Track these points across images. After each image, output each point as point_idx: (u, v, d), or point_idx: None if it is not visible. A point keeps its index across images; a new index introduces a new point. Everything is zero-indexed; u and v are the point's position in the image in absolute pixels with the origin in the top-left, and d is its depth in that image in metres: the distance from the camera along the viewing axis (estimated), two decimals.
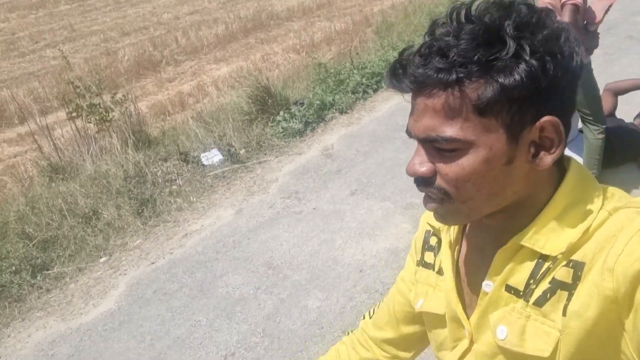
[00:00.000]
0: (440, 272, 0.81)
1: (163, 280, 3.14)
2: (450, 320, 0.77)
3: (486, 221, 0.70)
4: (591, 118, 2.86)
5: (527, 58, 0.57)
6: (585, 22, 2.84)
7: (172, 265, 3.26)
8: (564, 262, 0.62)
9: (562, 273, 0.61)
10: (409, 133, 0.67)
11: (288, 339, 2.60)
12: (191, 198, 3.95)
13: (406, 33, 7.05)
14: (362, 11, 10.47)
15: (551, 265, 0.63)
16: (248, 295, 2.92)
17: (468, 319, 0.74)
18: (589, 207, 0.64)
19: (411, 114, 0.65)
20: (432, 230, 0.85)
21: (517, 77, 0.57)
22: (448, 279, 0.78)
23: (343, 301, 2.78)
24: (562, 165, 0.68)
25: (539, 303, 0.63)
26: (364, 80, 5.44)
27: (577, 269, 0.60)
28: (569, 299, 0.60)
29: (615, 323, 0.58)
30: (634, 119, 3.23)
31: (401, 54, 0.64)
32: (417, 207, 3.46)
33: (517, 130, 0.61)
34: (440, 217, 0.69)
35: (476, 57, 0.58)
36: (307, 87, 5.52)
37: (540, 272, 0.64)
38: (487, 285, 0.69)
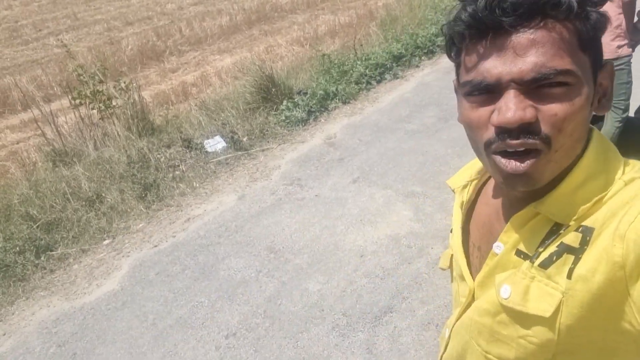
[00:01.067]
0: (451, 230, 0.84)
1: (165, 262, 3.17)
2: (458, 276, 0.80)
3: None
4: (616, 106, 3.04)
5: (595, 6, 0.60)
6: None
7: (174, 248, 3.29)
8: (575, 228, 0.62)
9: (571, 237, 0.61)
10: (493, 81, 0.60)
11: (289, 320, 2.63)
12: (194, 183, 3.98)
13: (410, 26, 7.06)
14: (367, 5, 10.47)
15: (563, 230, 0.63)
16: (250, 278, 2.95)
17: (473, 277, 0.75)
18: (608, 178, 0.63)
19: (498, 56, 0.59)
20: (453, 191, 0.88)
21: (597, 17, 0.60)
22: (456, 237, 0.80)
23: (343, 285, 2.81)
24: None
25: (544, 265, 0.63)
26: (367, 71, 5.46)
27: (586, 234, 0.60)
28: (575, 263, 0.60)
29: (622, 289, 0.57)
30: (635, 113, 3.26)
31: None
32: (418, 195, 3.49)
33: (596, 72, 0.62)
34: (526, 177, 0.62)
35: None
36: (310, 77, 5.54)
37: (552, 239, 0.64)
38: (498, 247, 0.69)
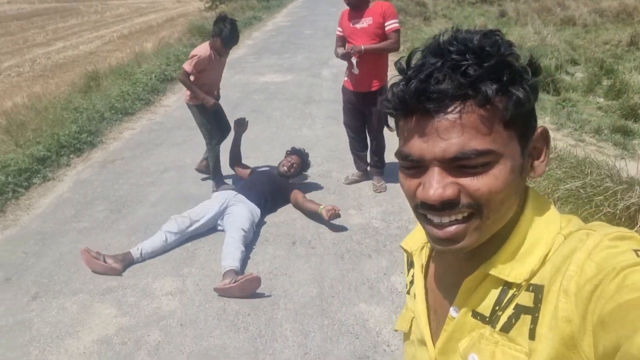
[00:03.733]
0: (412, 294, 0.85)
1: None
2: (417, 341, 0.81)
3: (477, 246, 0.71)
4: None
5: (528, 77, 0.64)
6: None
7: None
8: (526, 287, 0.64)
9: (524, 298, 0.64)
10: (417, 159, 0.65)
11: None
12: None
13: (44, 128, 6.56)
14: None
15: (516, 292, 0.65)
16: None
17: (434, 344, 0.76)
18: (549, 234, 0.67)
19: (422, 136, 0.63)
20: (405, 254, 0.89)
21: (525, 92, 0.63)
22: (419, 302, 0.81)
23: None
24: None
25: (506, 329, 0.65)
26: (9, 179, 4.83)
27: (537, 292, 0.62)
28: (533, 323, 0.61)
29: (573, 344, 0.58)
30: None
31: (406, 75, 0.65)
32: (116, 289, 3.29)
33: (526, 141, 0.66)
34: (453, 242, 0.66)
35: (501, 74, 0.61)
36: None
37: (506, 299, 0.66)
38: (454, 311, 0.71)
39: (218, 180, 4.67)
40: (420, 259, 0.83)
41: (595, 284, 0.56)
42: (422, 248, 0.84)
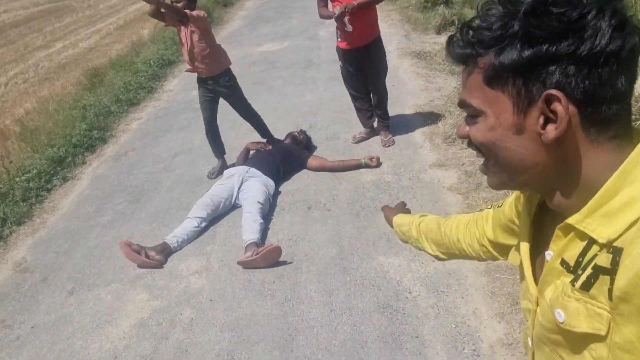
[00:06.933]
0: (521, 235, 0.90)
1: None
2: (524, 279, 0.84)
3: (543, 194, 0.77)
4: None
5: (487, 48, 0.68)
6: None
7: None
8: (607, 248, 0.63)
9: (603, 259, 0.63)
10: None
11: None
12: None
13: (57, 130, 6.71)
14: None
15: (598, 252, 0.64)
16: None
17: (536, 283, 0.79)
18: None
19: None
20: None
21: (515, 54, 0.64)
22: (523, 244, 0.85)
23: None
24: (628, 147, 0.67)
25: (586, 287, 0.65)
26: (31, 184, 4.99)
27: (616, 254, 0.61)
28: (612, 283, 0.61)
29: None
30: None
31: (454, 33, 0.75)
32: (145, 275, 3.43)
33: (524, 103, 0.66)
34: (487, 176, 0.78)
35: (487, 36, 0.67)
36: None
37: (588, 254, 0.66)
38: (548, 255, 0.74)
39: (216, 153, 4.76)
40: (529, 203, 0.86)
41: None
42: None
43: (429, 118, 4.91)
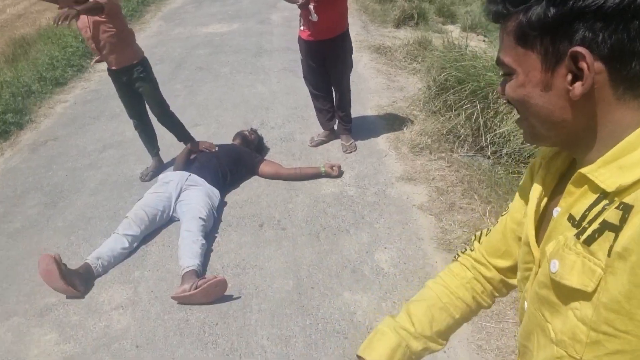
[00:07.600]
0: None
1: None
2: (524, 243, 0.83)
3: (570, 152, 0.76)
4: None
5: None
6: None
7: None
8: (617, 204, 0.62)
9: (612, 215, 0.62)
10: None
11: None
12: None
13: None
14: None
15: (607, 206, 0.64)
16: None
17: (539, 246, 0.78)
18: None
19: None
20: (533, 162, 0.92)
21: (542, 12, 0.64)
22: (530, 205, 0.83)
23: None
24: None
25: (588, 242, 0.65)
26: None
27: (626, 211, 0.60)
28: (614, 240, 0.60)
29: None
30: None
31: None
32: (56, 307, 2.78)
33: (552, 60, 0.66)
34: (522, 132, 0.78)
35: None
36: None
37: (596, 208, 0.65)
38: (556, 211, 0.74)
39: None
40: (541, 167, 0.85)
41: None
42: (554, 158, 0.85)
43: (394, 122, 4.48)
